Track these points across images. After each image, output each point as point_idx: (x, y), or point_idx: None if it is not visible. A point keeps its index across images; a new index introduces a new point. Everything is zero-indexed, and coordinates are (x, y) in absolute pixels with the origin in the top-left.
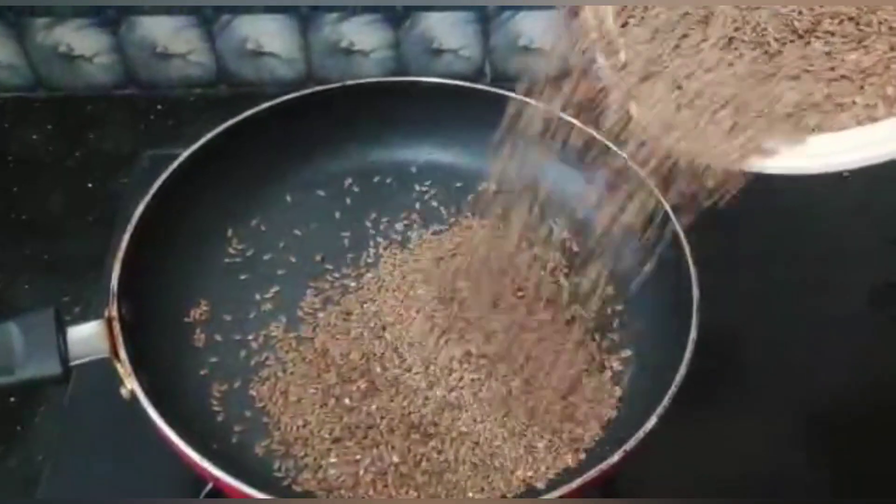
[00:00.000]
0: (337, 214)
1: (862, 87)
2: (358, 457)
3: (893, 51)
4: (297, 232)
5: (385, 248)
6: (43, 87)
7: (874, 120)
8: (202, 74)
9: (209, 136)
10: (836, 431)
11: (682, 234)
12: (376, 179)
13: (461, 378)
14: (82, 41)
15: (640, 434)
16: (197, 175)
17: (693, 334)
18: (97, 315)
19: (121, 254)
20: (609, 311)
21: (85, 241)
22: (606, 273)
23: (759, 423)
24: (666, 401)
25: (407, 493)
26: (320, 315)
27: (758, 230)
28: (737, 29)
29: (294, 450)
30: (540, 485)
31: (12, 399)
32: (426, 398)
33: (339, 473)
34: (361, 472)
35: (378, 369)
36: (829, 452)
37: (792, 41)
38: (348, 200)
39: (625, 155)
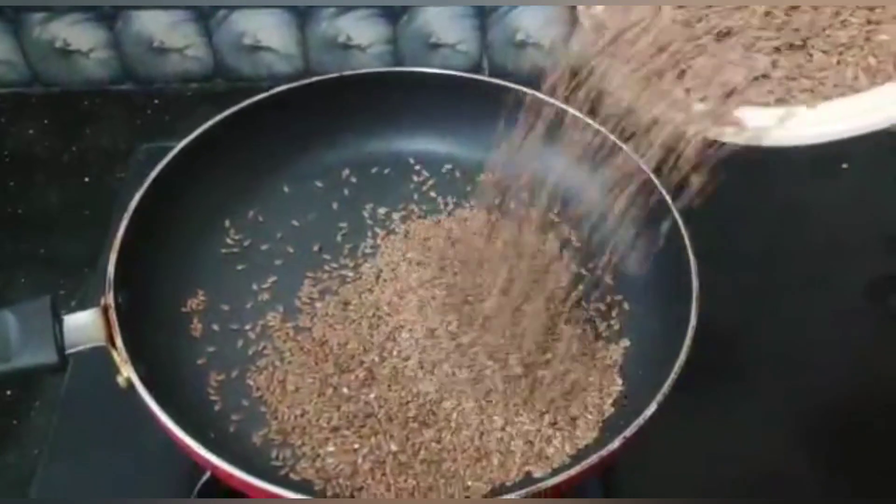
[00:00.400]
0: (334, 205)
1: (839, 63)
2: (356, 446)
3: (870, 24)
4: (294, 222)
5: (383, 239)
6: (39, 82)
7: (857, 91)
8: (199, 69)
9: (206, 125)
10: (836, 429)
11: (681, 224)
12: (374, 170)
13: (459, 367)
14: (79, 36)
15: (640, 421)
16: (193, 165)
17: (693, 322)
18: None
19: (117, 242)
20: (609, 300)
21: (81, 235)
22: (606, 263)
23: (759, 421)
24: (666, 388)
25: (405, 481)
26: (318, 305)
27: (756, 227)
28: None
29: (292, 439)
30: (539, 473)
31: (8, 393)
32: (425, 387)
33: (337, 462)
34: (360, 461)
35: (376, 358)
36: (829, 451)
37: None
38: (346, 191)
39: (623, 145)
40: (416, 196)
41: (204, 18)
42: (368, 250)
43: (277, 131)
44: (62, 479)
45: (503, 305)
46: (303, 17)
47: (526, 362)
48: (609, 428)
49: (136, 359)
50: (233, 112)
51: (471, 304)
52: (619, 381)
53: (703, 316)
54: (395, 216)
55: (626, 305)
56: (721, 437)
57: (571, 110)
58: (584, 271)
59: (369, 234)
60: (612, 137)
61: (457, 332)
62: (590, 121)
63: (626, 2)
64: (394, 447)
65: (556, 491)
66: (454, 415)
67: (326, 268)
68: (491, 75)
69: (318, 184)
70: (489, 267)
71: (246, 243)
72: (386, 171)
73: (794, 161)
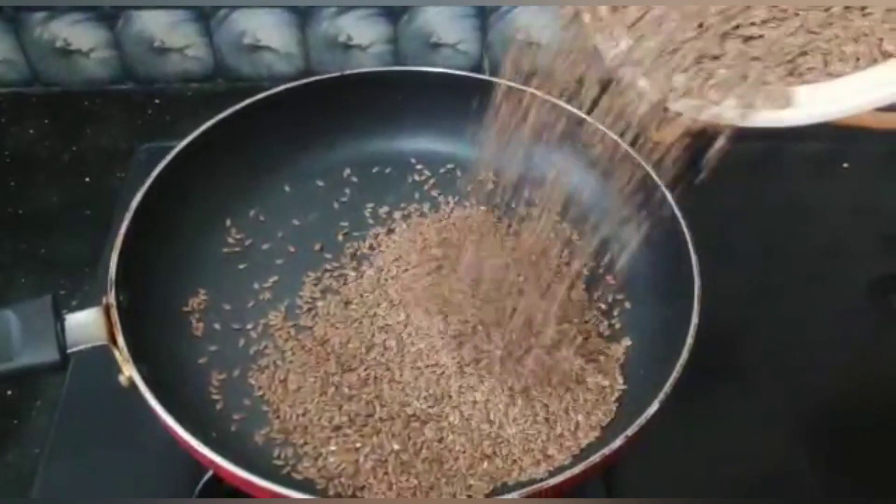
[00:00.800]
0: (335, 204)
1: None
2: (358, 445)
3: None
4: (295, 222)
5: (384, 238)
6: (39, 82)
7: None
8: (199, 69)
9: (206, 125)
10: (836, 429)
11: (682, 222)
12: (375, 169)
13: (461, 366)
14: (79, 36)
15: (642, 420)
16: (194, 164)
17: (695, 320)
18: None
19: (119, 241)
20: (610, 299)
21: (82, 236)
22: (606, 262)
23: (759, 421)
24: (668, 387)
25: (407, 480)
26: (319, 304)
27: (757, 226)
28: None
29: (294, 438)
30: (541, 472)
31: (9, 393)
32: (426, 386)
33: (339, 461)
34: (361, 460)
35: (378, 357)
36: (829, 451)
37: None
38: (347, 190)
39: (622, 142)
40: (417, 195)
41: (204, 18)
42: (369, 249)
43: (278, 131)
44: (63, 478)
45: (505, 305)
46: (303, 17)
47: (528, 362)
48: (610, 427)
49: (137, 358)
50: (233, 111)
51: (473, 303)
52: (621, 380)
53: (703, 315)
54: (397, 215)
55: (627, 304)
56: (721, 437)
57: (571, 109)
58: (585, 270)
59: (370, 233)
60: (612, 134)
61: (459, 330)
62: (589, 118)
63: (627, 1)
64: (396, 446)
65: (558, 490)
66: (456, 414)
67: (328, 267)
68: (492, 75)
69: (319, 183)
70: (491, 266)
71: (247, 243)
72: (387, 170)
73: (794, 160)
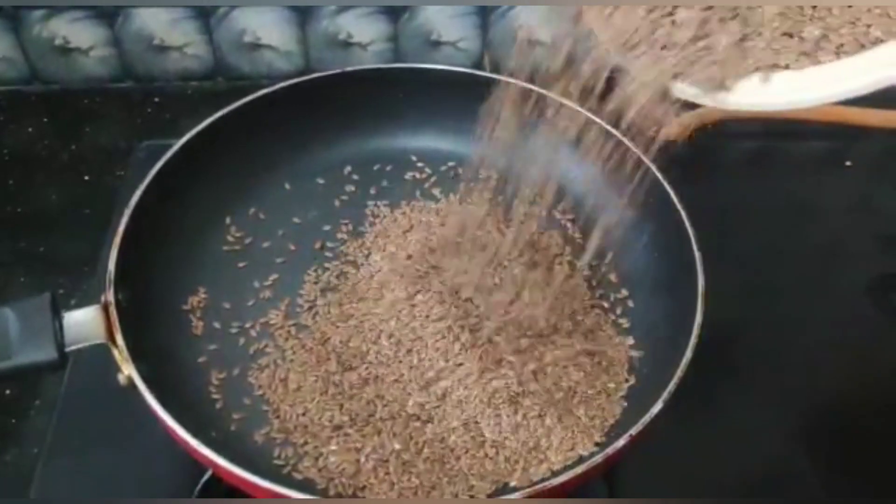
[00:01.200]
0: (336, 202)
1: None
2: (359, 444)
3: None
4: (296, 220)
5: (384, 236)
6: (39, 80)
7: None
8: (199, 67)
9: (206, 122)
10: (836, 429)
11: (686, 219)
12: (376, 167)
13: (463, 365)
14: (78, 34)
15: (646, 419)
16: (194, 162)
17: (698, 319)
18: None
19: (118, 239)
20: (613, 298)
21: (81, 234)
22: (608, 260)
23: (759, 421)
24: (672, 386)
25: (409, 480)
26: (320, 302)
27: (757, 226)
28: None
29: (294, 437)
30: (543, 472)
31: (7, 392)
32: (428, 385)
33: (339, 461)
34: (362, 460)
35: (378, 356)
36: (829, 451)
37: None
38: (347, 188)
39: (619, 134)
40: (417, 193)
41: (204, 16)
42: (370, 247)
43: (278, 128)
44: (62, 478)
45: (507, 302)
46: (303, 15)
47: (530, 361)
48: (613, 426)
49: (136, 357)
50: (233, 109)
51: (475, 301)
52: (624, 380)
53: (704, 319)
54: (397, 213)
55: (630, 303)
56: (721, 437)
57: (572, 105)
58: (587, 269)
59: (371, 231)
60: (610, 128)
61: (461, 329)
62: (588, 113)
63: (627, 1)
64: (397, 446)
65: (561, 490)
66: (458, 413)
67: (328, 265)
68: (492, 72)
69: (320, 181)
70: (493, 264)
71: (247, 241)
72: (388, 167)
73: (795, 159)
